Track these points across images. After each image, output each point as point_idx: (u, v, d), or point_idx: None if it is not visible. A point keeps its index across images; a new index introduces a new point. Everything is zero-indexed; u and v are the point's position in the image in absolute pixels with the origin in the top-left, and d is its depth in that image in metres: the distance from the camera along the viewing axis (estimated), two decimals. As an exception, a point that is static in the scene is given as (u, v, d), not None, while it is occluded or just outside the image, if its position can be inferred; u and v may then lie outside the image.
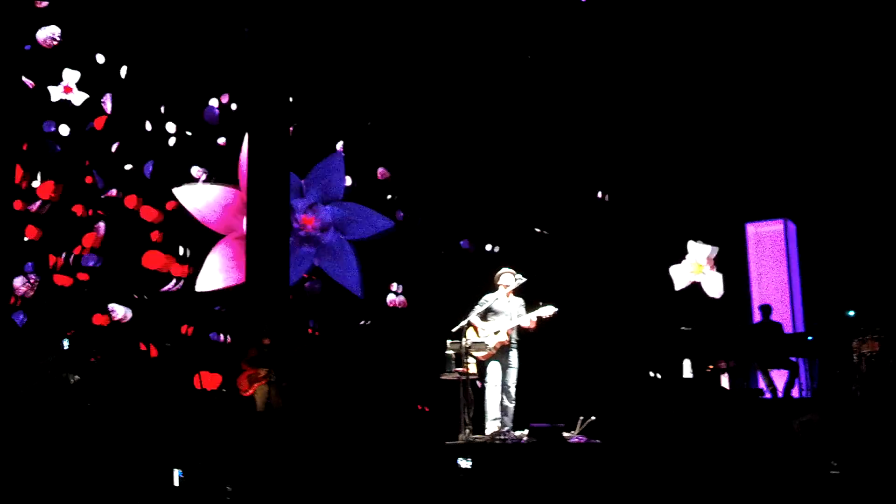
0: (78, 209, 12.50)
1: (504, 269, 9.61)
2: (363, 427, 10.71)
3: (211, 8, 12.98)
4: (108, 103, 12.84)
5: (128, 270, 12.61)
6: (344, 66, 14.12)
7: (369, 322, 14.25)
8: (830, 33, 13.16)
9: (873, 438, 7.60)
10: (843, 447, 7.61)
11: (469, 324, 9.24)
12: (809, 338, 11.80)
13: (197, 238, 13.23)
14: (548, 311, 9.24)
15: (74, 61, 12.64)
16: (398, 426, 10.75)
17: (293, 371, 10.93)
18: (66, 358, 8.82)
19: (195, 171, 13.46)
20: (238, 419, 10.20)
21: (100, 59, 12.87)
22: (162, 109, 13.29)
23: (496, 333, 9.25)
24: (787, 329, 13.03)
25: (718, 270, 14.17)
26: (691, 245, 13.97)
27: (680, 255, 14.12)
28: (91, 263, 12.24)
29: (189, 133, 13.51)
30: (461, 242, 14.94)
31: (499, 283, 9.51)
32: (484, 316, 9.40)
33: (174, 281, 12.90)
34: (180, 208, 13.11)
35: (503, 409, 9.25)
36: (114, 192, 12.70)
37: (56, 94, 12.55)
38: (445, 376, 9.35)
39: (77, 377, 8.46)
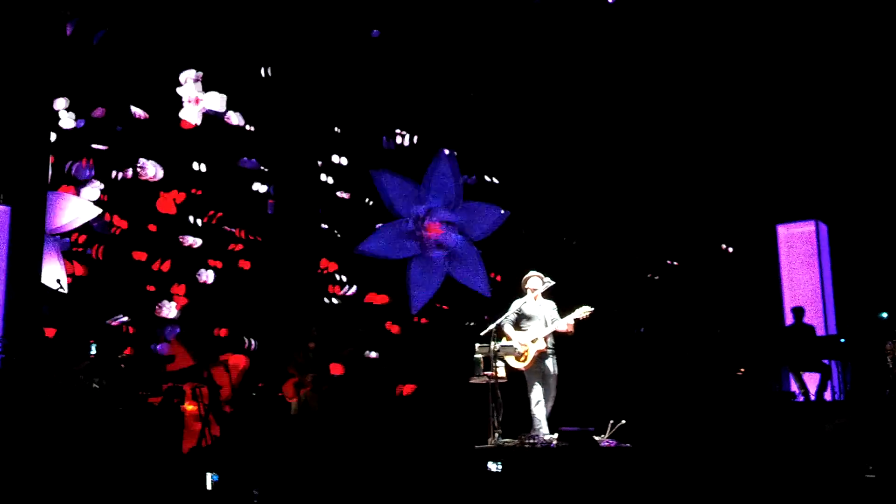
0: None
1: (531, 273, 9.39)
2: (393, 431, 10.75)
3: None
4: None
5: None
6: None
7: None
8: (864, 34, 13.07)
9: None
10: (877, 450, 7.54)
11: (500, 331, 9.12)
12: (842, 340, 11.67)
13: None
14: (584, 311, 9.03)
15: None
16: (428, 430, 10.77)
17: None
18: (96, 363, 8.89)
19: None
20: (272, 422, 10.27)
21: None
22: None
23: (534, 342, 9.07)
24: (819, 331, 12.90)
25: (749, 272, 14.12)
26: None
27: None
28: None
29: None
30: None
31: (526, 286, 9.32)
32: (517, 323, 9.28)
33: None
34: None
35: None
36: None
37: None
38: (474, 380, 9.31)
39: (103, 381, 8.52)
